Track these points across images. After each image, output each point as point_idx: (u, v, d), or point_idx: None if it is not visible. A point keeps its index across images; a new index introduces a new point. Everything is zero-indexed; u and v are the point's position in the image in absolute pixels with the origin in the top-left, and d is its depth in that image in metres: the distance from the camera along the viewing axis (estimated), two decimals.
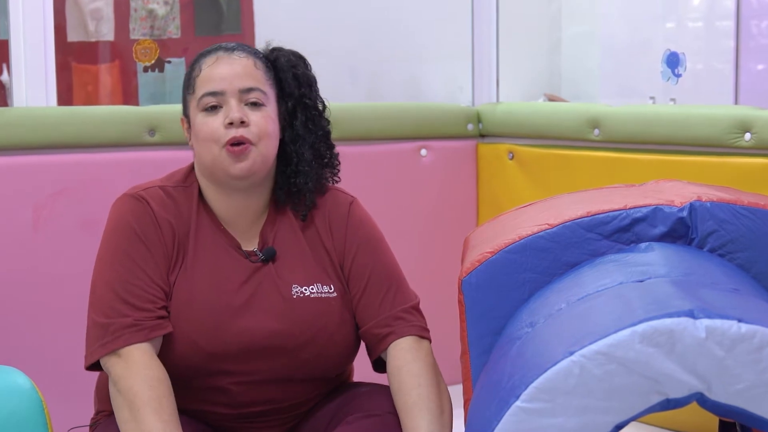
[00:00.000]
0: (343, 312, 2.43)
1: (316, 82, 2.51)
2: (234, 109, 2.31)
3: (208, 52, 2.40)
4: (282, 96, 2.44)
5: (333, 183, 2.54)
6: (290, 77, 2.45)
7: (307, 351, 2.38)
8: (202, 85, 2.35)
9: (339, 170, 2.54)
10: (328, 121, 2.52)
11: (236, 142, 2.30)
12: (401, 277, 2.50)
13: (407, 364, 2.35)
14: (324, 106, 2.52)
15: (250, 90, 2.35)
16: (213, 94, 2.33)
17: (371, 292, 2.44)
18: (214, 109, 2.33)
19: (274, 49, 2.49)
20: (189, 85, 2.39)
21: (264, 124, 2.35)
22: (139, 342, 2.27)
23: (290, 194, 2.44)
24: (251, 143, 2.32)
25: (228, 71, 2.35)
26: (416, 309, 2.46)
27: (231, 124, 2.30)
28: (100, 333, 2.29)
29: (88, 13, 4.51)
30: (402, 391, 2.32)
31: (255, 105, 2.35)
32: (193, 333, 2.33)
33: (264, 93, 2.37)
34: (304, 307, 2.38)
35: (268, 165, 2.38)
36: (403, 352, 2.37)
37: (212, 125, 2.32)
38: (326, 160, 2.50)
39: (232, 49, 2.40)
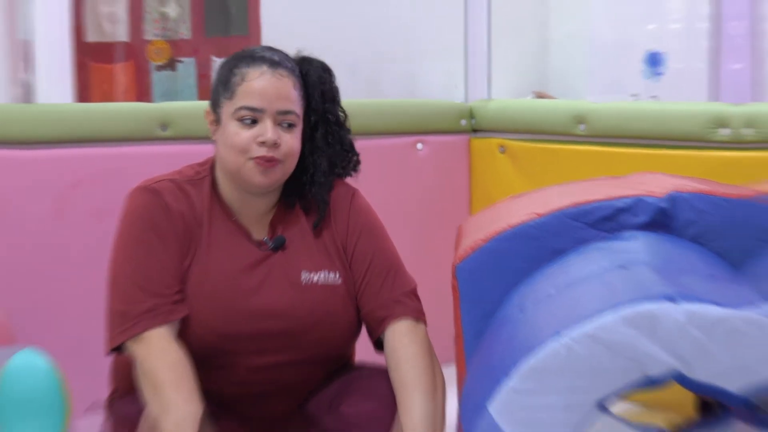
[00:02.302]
0: (347, 298, 2.46)
1: (339, 94, 2.53)
2: (269, 130, 2.31)
3: (253, 60, 2.38)
4: (307, 110, 2.46)
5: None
6: (318, 94, 2.47)
7: (313, 334, 2.41)
8: (244, 97, 2.33)
9: (350, 173, 2.58)
10: (349, 131, 2.55)
11: (267, 159, 2.32)
12: (399, 263, 2.52)
13: (403, 345, 2.37)
14: (345, 116, 2.54)
15: (287, 113, 2.35)
16: (252, 109, 2.32)
17: (372, 276, 2.47)
18: (250, 122, 2.33)
19: (305, 60, 2.49)
20: (228, 88, 2.37)
21: (293, 144, 2.37)
22: (158, 326, 2.30)
23: (301, 198, 2.48)
24: (276, 161, 2.33)
25: (271, 91, 2.34)
26: (413, 293, 2.48)
27: (264, 143, 2.31)
28: (119, 320, 2.33)
29: (105, 16, 4.52)
30: (398, 370, 2.35)
31: (289, 125, 2.36)
32: (207, 315, 2.36)
33: (297, 115, 2.38)
34: (312, 293, 2.41)
35: (287, 177, 2.41)
36: (399, 335, 2.39)
37: (244, 137, 2.32)
38: (343, 168, 2.54)
39: (276, 65, 2.37)
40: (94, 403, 2.84)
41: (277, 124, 2.34)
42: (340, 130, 2.51)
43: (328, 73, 2.51)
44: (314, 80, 2.46)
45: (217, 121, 2.40)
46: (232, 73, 2.37)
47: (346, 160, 2.54)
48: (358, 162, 2.57)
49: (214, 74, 2.48)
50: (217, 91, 2.40)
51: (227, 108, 2.36)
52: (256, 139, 2.31)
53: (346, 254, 2.49)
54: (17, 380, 2.36)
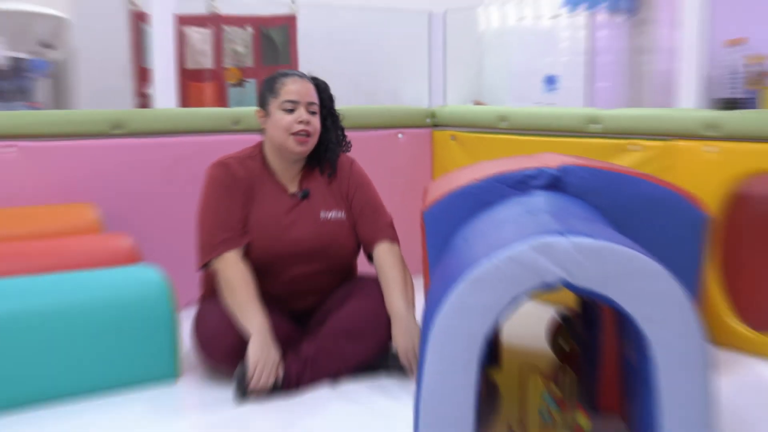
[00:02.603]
0: (349, 228, 2.51)
1: (335, 100, 2.60)
2: (304, 114, 2.40)
3: (287, 75, 2.46)
4: (320, 108, 2.50)
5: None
6: (326, 97, 2.53)
7: (328, 251, 2.47)
8: (286, 95, 2.40)
9: (349, 149, 2.62)
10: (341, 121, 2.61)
11: (304, 134, 2.39)
12: (382, 205, 2.58)
13: (385, 259, 2.46)
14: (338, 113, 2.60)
15: (312, 104, 2.44)
16: (293, 102, 2.40)
17: (365, 214, 2.53)
18: (290, 111, 2.39)
19: (312, 77, 2.53)
20: (273, 91, 2.43)
21: (317, 124, 2.45)
22: (230, 250, 2.36)
23: (319, 162, 2.52)
24: (310, 135, 2.41)
25: (303, 90, 2.42)
26: (391, 225, 2.56)
27: (301, 122, 2.39)
28: (205, 247, 2.39)
29: (198, 52, 4.48)
30: (383, 275, 2.45)
31: (313, 113, 2.43)
32: (261, 243, 2.40)
33: (318, 107, 2.46)
34: (327, 225, 2.47)
35: (312, 148, 2.47)
36: (383, 252, 2.48)
37: (288, 119, 2.39)
38: (342, 144, 2.59)
39: (302, 76, 2.46)
40: (191, 301, 2.84)
41: (307, 111, 2.41)
42: (338, 120, 2.57)
43: (327, 86, 2.56)
44: (322, 88, 2.53)
45: (266, 115, 2.45)
46: (275, 82, 2.44)
47: (343, 139, 2.59)
48: (349, 141, 2.62)
49: (261, 87, 2.51)
50: (265, 95, 2.46)
51: (274, 104, 2.41)
52: (296, 121, 2.39)
53: (348, 200, 2.53)
54: (141, 286, 2.34)
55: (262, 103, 2.45)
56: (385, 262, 2.45)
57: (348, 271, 2.57)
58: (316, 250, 2.43)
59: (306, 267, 2.44)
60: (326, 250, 2.44)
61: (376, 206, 2.55)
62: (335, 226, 2.46)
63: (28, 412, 2.16)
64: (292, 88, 2.40)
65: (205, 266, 2.40)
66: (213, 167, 2.44)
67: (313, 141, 2.43)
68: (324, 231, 2.44)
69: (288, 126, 2.38)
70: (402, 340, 2.32)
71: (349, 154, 2.63)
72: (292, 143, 2.39)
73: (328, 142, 2.51)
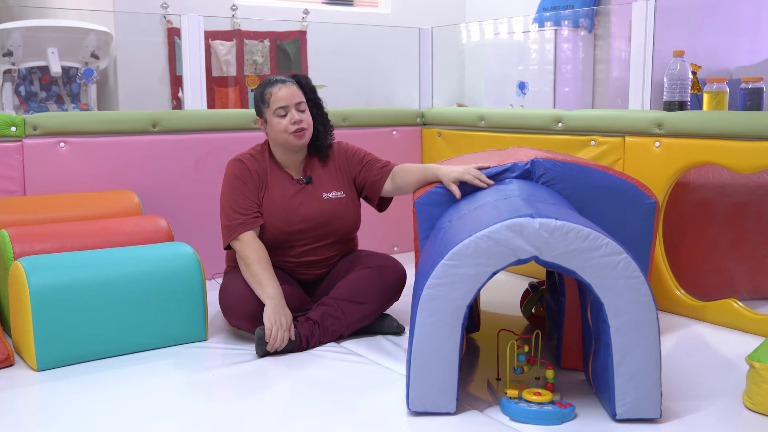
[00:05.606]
0: (348, 203, 2.47)
1: (316, 89, 2.53)
2: (295, 115, 2.35)
3: (272, 84, 2.39)
4: (306, 99, 2.46)
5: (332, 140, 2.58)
6: (308, 90, 2.47)
7: (332, 226, 2.43)
8: (276, 102, 2.35)
9: (333, 136, 2.56)
10: (323, 107, 2.55)
11: (299, 130, 2.35)
12: (380, 158, 2.51)
13: (402, 167, 2.41)
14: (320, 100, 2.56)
15: (299, 103, 2.38)
16: (283, 107, 2.35)
17: (369, 167, 2.47)
18: (283, 115, 2.35)
19: (295, 75, 2.48)
20: (264, 101, 2.38)
21: (308, 119, 2.39)
22: (247, 231, 2.34)
23: (317, 150, 2.48)
24: (305, 129, 2.36)
25: (288, 94, 2.36)
26: (389, 162, 2.51)
27: (295, 122, 2.34)
28: (227, 229, 2.36)
29: (223, 62, 4.44)
30: (406, 170, 2.37)
31: (302, 111, 2.37)
32: (274, 223, 2.38)
33: (304, 103, 2.40)
34: (329, 203, 2.43)
35: (309, 139, 2.42)
36: (397, 168, 2.43)
37: (283, 123, 2.35)
38: (329, 131, 2.52)
39: (284, 81, 2.39)
40: (216, 273, 2.83)
41: (297, 110, 2.36)
42: (322, 108, 2.51)
43: (307, 79, 2.50)
44: (304, 84, 2.47)
45: (265, 122, 2.41)
46: (264, 94, 2.39)
47: (328, 124, 2.52)
48: (332, 126, 2.54)
49: (255, 97, 2.45)
50: (259, 106, 2.42)
51: (269, 113, 2.38)
52: (290, 122, 2.34)
53: (352, 175, 2.48)
54: (177, 260, 2.32)
55: (259, 113, 2.42)
56: (402, 168, 2.39)
57: (349, 245, 2.54)
58: (321, 226, 2.41)
59: (313, 242, 2.42)
60: (329, 224, 2.42)
61: (374, 158, 2.50)
62: (335, 204, 2.44)
63: (89, 363, 2.19)
64: (279, 95, 2.34)
65: (229, 246, 2.37)
66: (230, 163, 2.42)
67: (309, 132, 2.39)
68: (326, 208, 2.42)
69: (285, 128, 2.34)
70: (453, 167, 2.21)
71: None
72: (292, 139, 2.35)
73: (318, 132, 2.46)
